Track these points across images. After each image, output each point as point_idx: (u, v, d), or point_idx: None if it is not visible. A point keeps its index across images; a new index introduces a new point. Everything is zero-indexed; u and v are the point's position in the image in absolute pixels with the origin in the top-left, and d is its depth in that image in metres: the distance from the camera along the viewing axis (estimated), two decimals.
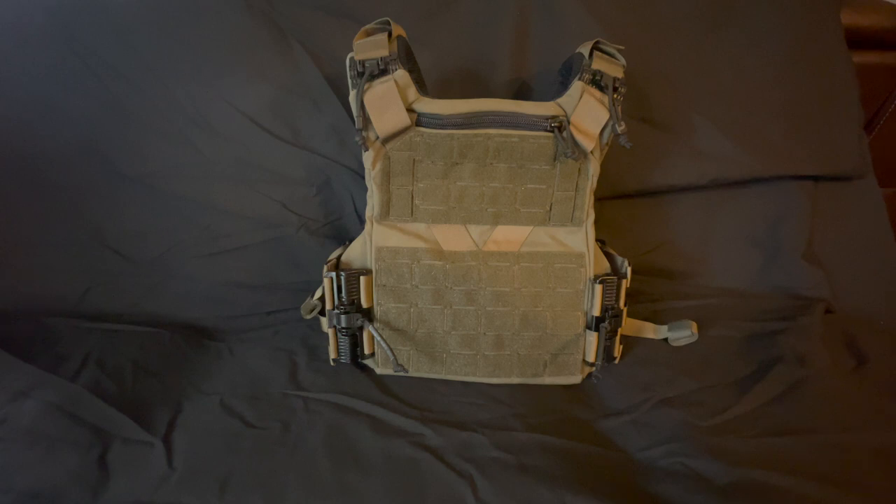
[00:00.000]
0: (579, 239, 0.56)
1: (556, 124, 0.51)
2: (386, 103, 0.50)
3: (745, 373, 0.56)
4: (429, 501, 0.42)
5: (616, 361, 0.59)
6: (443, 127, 0.51)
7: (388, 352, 0.53)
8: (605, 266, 0.58)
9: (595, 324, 0.56)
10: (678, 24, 0.68)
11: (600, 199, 0.63)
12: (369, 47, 0.49)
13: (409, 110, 0.50)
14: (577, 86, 0.52)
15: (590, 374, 0.58)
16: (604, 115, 0.51)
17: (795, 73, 0.70)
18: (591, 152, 0.53)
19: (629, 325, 0.62)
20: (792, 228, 0.71)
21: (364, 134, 0.50)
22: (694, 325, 0.61)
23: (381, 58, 0.49)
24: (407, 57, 0.54)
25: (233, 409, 0.51)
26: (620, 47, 0.53)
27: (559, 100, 0.52)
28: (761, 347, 0.60)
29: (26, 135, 0.63)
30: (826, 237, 0.72)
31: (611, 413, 0.53)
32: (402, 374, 0.56)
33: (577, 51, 0.55)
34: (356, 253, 0.56)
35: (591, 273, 0.56)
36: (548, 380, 0.57)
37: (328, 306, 0.55)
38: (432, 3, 0.65)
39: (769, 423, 0.49)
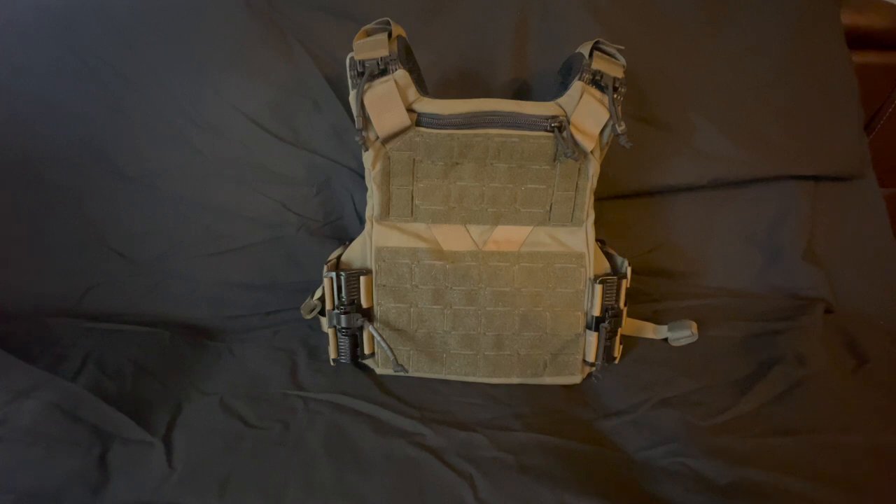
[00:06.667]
0: (579, 239, 0.56)
1: (556, 124, 0.51)
2: (386, 103, 0.49)
3: (745, 373, 0.56)
4: (429, 501, 0.42)
5: (616, 361, 0.59)
6: (443, 127, 0.51)
7: (388, 352, 0.53)
8: (605, 266, 0.58)
9: (595, 324, 0.56)
10: (678, 24, 0.68)
11: (600, 199, 0.63)
12: (369, 47, 0.49)
13: (409, 110, 0.50)
14: (577, 86, 0.51)
15: (590, 374, 0.58)
16: (604, 115, 0.51)
17: (795, 73, 0.70)
18: (591, 152, 0.52)
19: (629, 325, 0.61)
20: (792, 228, 0.71)
21: (364, 134, 0.50)
22: (694, 325, 0.61)
23: (381, 58, 0.49)
24: (407, 57, 0.54)
25: (233, 409, 0.51)
26: (620, 47, 0.53)
27: (559, 100, 0.52)
28: (761, 347, 0.60)
29: (26, 135, 0.63)
30: (826, 237, 0.72)
31: (611, 413, 0.53)
32: (402, 374, 0.56)
33: (577, 51, 0.54)
34: (356, 253, 0.56)
35: (591, 273, 0.56)
36: (548, 380, 0.57)
37: (328, 306, 0.55)
38: (432, 3, 0.65)
39: (769, 423, 0.49)
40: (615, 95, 0.51)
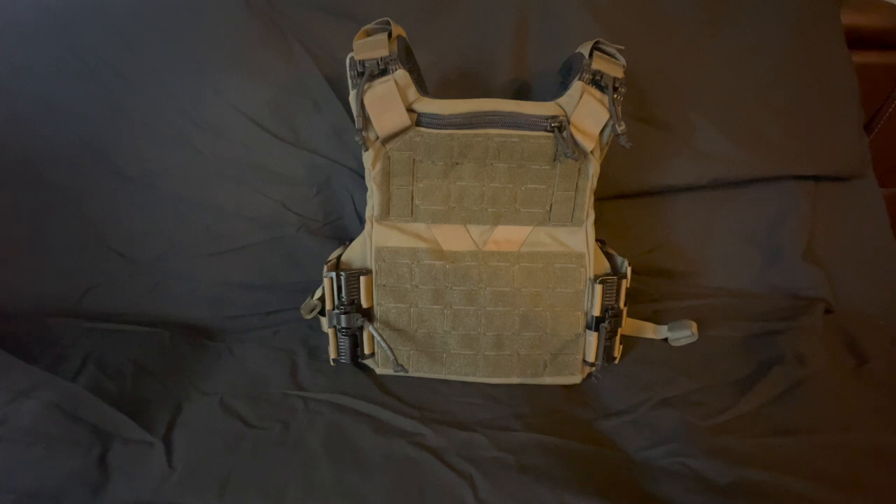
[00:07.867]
0: (579, 239, 0.56)
1: (556, 124, 0.51)
2: (386, 103, 0.50)
3: (745, 373, 0.56)
4: (429, 501, 0.42)
5: (616, 361, 0.59)
6: (443, 127, 0.51)
7: (388, 352, 0.53)
8: (605, 266, 0.58)
9: (595, 324, 0.56)
10: (679, 23, 0.68)
11: (600, 199, 0.63)
12: (369, 47, 0.49)
13: (409, 110, 0.50)
14: (577, 86, 0.51)
15: (590, 374, 0.58)
16: (604, 115, 0.51)
17: (795, 73, 0.70)
18: (591, 152, 0.53)
19: (629, 325, 0.61)
20: (792, 228, 0.71)
21: (364, 134, 0.50)
22: (694, 325, 0.61)
23: (381, 58, 0.49)
24: (407, 57, 0.54)
25: (233, 409, 0.51)
26: (620, 47, 0.53)
27: (559, 100, 0.52)
28: (761, 347, 0.60)
29: (26, 135, 0.63)
30: (826, 237, 0.72)
31: (611, 413, 0.53)
32: (402, 374, 0.56)
33: (577, 51, 0.54)
34: (356, 253, 0.56)
35: (591, 273, 0.56)
36: (548, 380, 0.57)
37: (328, 306, 0.55)
38: (432, 3, 0.65)
39: (769, 423, 0.49)
40: (615, 95, 0.51)
